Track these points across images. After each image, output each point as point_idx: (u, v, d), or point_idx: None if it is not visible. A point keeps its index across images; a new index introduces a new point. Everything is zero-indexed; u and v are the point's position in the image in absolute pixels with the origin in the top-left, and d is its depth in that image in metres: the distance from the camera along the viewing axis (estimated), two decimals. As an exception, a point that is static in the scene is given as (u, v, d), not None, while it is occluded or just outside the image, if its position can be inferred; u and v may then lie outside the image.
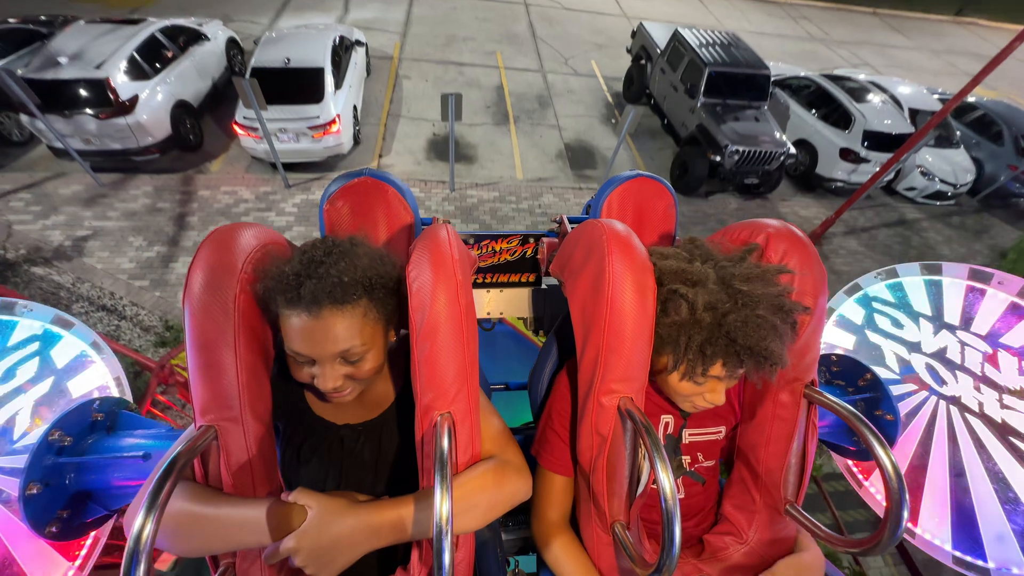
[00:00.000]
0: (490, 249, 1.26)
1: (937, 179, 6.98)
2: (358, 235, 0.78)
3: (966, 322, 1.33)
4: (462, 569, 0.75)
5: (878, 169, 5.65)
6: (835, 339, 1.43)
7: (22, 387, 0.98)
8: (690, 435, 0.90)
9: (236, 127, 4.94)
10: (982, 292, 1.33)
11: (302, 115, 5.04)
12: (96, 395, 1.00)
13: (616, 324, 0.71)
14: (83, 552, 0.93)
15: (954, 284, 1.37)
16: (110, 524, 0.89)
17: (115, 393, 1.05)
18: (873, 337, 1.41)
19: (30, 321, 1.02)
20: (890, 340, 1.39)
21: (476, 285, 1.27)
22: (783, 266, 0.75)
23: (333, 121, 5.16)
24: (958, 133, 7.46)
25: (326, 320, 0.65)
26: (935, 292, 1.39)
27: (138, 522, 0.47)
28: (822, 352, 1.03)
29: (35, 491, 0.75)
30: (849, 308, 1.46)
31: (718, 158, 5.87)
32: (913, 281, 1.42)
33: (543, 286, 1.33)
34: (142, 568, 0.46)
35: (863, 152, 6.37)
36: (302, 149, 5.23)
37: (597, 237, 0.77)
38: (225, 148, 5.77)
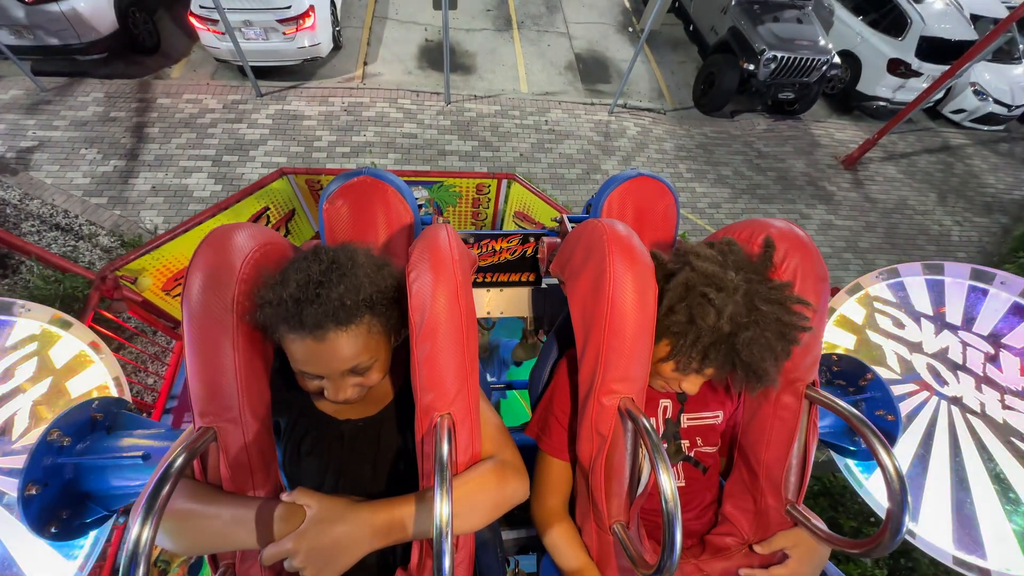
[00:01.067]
0: (490, 248, 1.26)
1: (991, 99, 6.02)
2: (354, 243, 0.76)
3: (968, 322, 1.32)
4: (462, 569, 0.75)
5: (928, 85, 5.00)
6: (836, 339, 1.43)
7: (21, 387, 0.98)
8: (688, 419, 0.91)
9: (193, 19, 4.32)
10: (984, 292, 1.33)
11: (269, 4, 4.36)
12: (95, 395, 1.00)
13: (617, 324, 0.71)
14: (83, 552, 0.93)
15: (956, 284, 1.37)
16: (110, 524, 0.89)
17: (114, 393, 1.05)
18: (874, 337, 1.41)
19: (28, 321, 1.01)
20: (891, 340, 1.39)
21: (476, 285, 1.27)
22: (803, 299, 0.74)
23: (306, 14, 4.45)
24: (1021, 47, 6.23)
25: (331, 343, 0.65)
26: (937, 292, 1.38)
27: (136, 527, 0.47)
28: (823, 352, 1.03)
29: (34, 492, 0.75)
30: (850, 308, 1.46)
31: (751, 67, 5.12)
32: (915, 281, 1.42)
33: (543, 286, 1.33)
34: (141, 571, 0.46)
35: (915, 63, 5.49)
36: (273, 49, 4.58)
37: (598, 237, 0.76)
38: (187, 51, 5.13)
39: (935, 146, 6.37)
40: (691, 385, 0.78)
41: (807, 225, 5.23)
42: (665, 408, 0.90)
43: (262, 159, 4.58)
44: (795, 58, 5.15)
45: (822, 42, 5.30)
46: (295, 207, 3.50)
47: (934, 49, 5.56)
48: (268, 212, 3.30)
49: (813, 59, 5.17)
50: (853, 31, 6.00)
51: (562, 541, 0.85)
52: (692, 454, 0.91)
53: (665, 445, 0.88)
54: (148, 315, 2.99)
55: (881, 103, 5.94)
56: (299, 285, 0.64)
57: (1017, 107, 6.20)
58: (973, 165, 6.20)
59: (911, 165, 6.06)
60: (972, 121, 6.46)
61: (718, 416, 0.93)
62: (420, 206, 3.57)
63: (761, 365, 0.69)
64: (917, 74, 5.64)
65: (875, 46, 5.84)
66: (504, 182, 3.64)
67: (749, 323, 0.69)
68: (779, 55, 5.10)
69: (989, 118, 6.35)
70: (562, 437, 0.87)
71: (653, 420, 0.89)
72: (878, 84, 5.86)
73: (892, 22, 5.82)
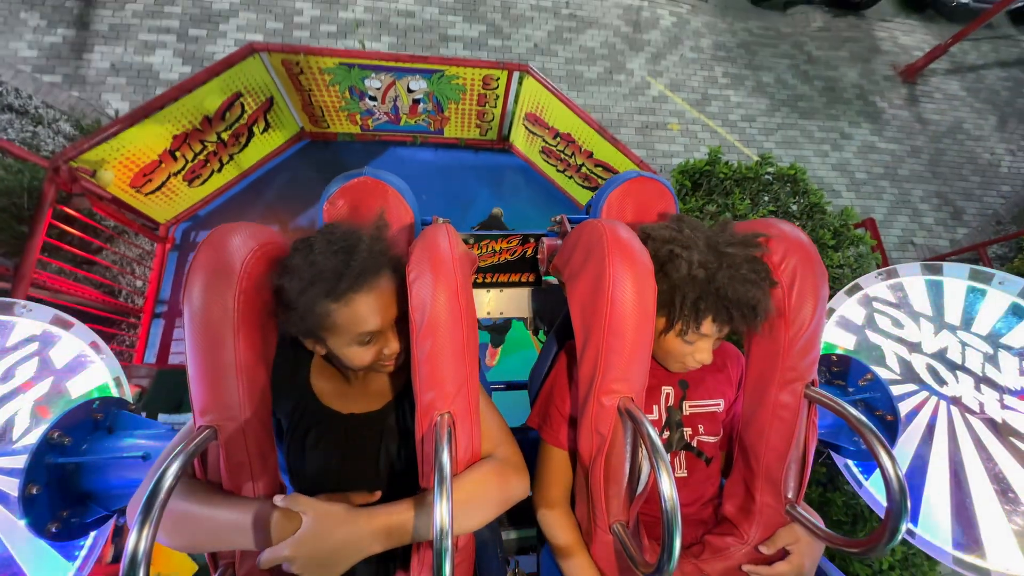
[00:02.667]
0: (490, 249, 1.26)
1: None
2: (349, 220, 0.84)
3: (967, 322, 1.32)
4: (462, 570, 0.76)
5: None
6: (835, 339, 1.43)
7: (21, 387, 0.98)
8: (690, 407, 0.92)
9: None
10: (983, 292, 1.33)
11: None
12: (96, 395, 1.00)
13: (616, 325, 0.71)
14: (83, 552, 0.93)
15: (955, 284, 1.37)
16: (110, 524, 0.89)
17: (115, 393, 1.05)
18: (873, 337, 1.41)
19: (29, 321, 1.01)
20: (890, 340, 1.39)
21: (476, 285, 1.27)
22: (758, 232, 0.81)
23: None
24: None
25: (380, 290, 0.72)
26: (936, 292, 1.39)
27: (134, 531, 0.48)
28: (822, 352, 1.03)
29: (35, 491, 0.75)
30: (849, 308, 1.46)
31: None
32: (914, 281, 1.42)
33: (543, 286, 1.33)
34: (140, 574, 0.46)
35: None
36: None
37: (597, 238, 0.76)
38: None
39: (1010, 58, 5.44)
40: (703, 352, 0.81)
41: (847, 146, 4.79)
42: (667, 395, 0.91)
43: (235, 35, 4.00)
44: None
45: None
46: (273, 95, 3.13)
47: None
48: (242, 100, 2.91)
49: None
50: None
51: (556, 520, 0.87)
52: (695, 443, 0.91)
53: (667, 432, 0.89)
54: (119, 214, 2.79)
55: (962, 1, 5.09)
56: (329, 258, 0.69)
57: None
58: (1051, 85, 5.36)
59: (978, 80, 5.28)
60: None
61: (719, 404, 0.94)
62: (417, 100, 3.30)
63: (749, 297, 0.73)
64: (1012, -37, 4.64)
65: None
66: (515, 75, 3.18)
67: (720, 264, 0.75)
68: None
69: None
70: (563, 427, 0.89)
71: (655, 410, 0.91)
72: None
73: None
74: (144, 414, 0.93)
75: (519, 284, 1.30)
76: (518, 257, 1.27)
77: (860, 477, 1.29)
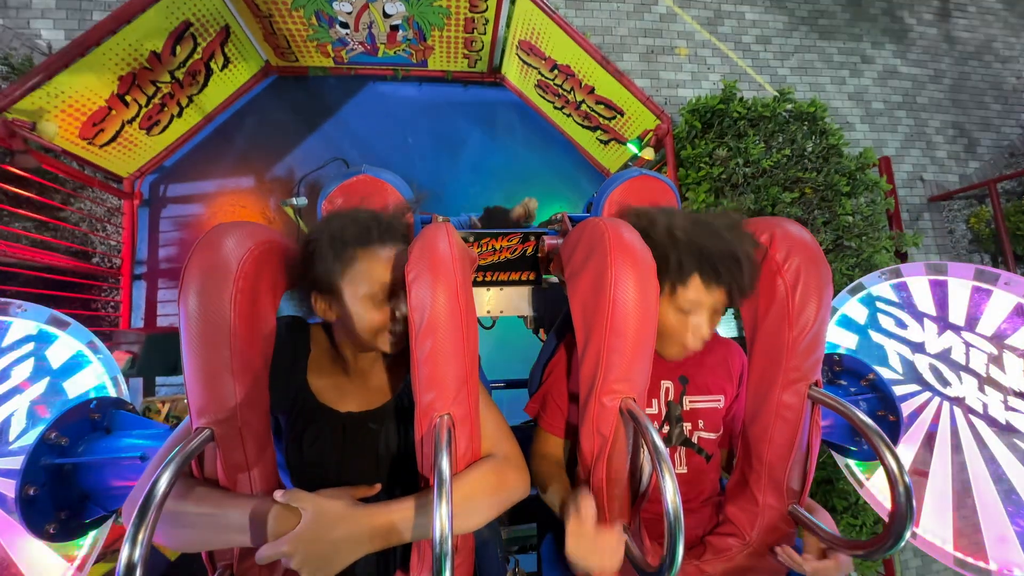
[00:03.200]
0: (490, 247, 1.25)
1: None
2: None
3: (971, 323, 1.32)
4: (462, 570, 0.75)
5: None
6: (838, 339, 1.42)
7: (18, 387, 0.97)
8: (691, 401, 0.92)
9: None
10: (988, 293, 1.32)
11: None
12: (93, 395, 1.00)
13: (618, 324, 0.70)
14: (81, 553, 0.93)
15: (959, 284, 1.36)
16: (108, 524, 0.89)
17: (112, 393, 1.05)
18: (876, 337, 1.40)
19: (25, 321, 1.01)
20: (894, 340, 1.38)
21: (476, 284, 1.26)
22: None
23: None
24: None
25: (402, 251, 0.77)
26: (940, 292, 1.38)
27: (130, 534, 0.47)
28: (825, 352, 1.03)
29: (32, 492, 0.74)
30: (852, 308, 1.45)
31: None
32: (917, 281, 1.41)
33: (543, 285, 1.32)
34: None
35: None
36: None
37: (599, 236, 0.76)
38: None
39: None
40: (702, 327, 0.81)
41: (867, 71, 4.37)
42: (667, 389, 0.91)
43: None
44: None
45: None
46: (229, 23, 2.68)
47: None
48: (192, 31, 2.50)
49: None
50: None
51: (551, 487, 0.86)
52: (695, 439, 0.91)
53: (667, 427, 0.88)
54: (75, 170, 2.52)
55: None
56: (363, 214, 0.80)
57: None
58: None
59: None
60: None
61: (720, 400, 0.94)
62: (395, 27, 2.79)
63: (731, 248, 0.76)
64: None
65: None
66: None
67: (697, 229, 0.80)
68: None
69: None
70: (559, 416, 0.90)
71: (655, 404, 0.91)
72: None
73: None
74: (142, 380, 0.93)
75: (519, 283, 1.29)
76: (518, 255, 1.27)
77: (861, 477, 1.28)
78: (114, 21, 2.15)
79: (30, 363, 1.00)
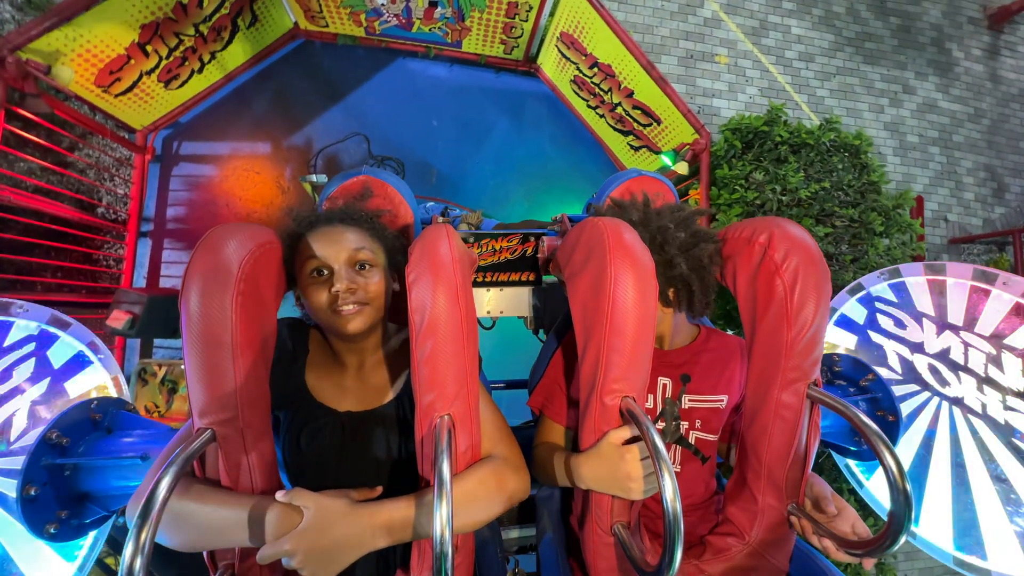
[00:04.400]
0: (490, 248, 1.26)
1: None
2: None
3: (970, 323, 1.32)
4: (462, 570, 0.75)
5: None
6: (837, 339, 1.43)
7: (19, 387, 0.97)
8: (691, 400, 0.91)
9: None
10: (986, 293, 1.32)
11: None
12: (94, 395, 1.00)
13: (618, 324, 0.71)
14: (82, 553, 0.93)
15: (958, 284, 1.36)
16: (109, 525, 0.89)
17: (113, 394, 1.05)
18: (875, 337, 1.40)
19: (26, 322, 1.01)
20: (892, 340, 1.38)
21: (476, 284, 1.27)
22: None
23: None
24: None
25: (338, 228, 0.82)
26: (939, 292, 1.38)
27: (133, 535, 0.47)
28: (824, 352, 1.03)
29: (33, 492, 0.74)
30: (851, 308, 1.46)
31: None
32: (916, 281, 1.42)
33: (543, 285, 1.33)
34: None
35: None
36: None
37: (598, 236, 0.76)
38: None
39: None
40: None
41: (907, 102, 4.29)
42: (664, 386, 0.91)
43: None
44: None
45: None
46: None
47: None
48: None
49: None
50: None
51: (554, 457, 0.86)
52: (691, 439, 0.91)
53: (662, 423, 0.89)
54: (87, 118, 2.40)
55: None
56: (312, 211, 0.86)
57: None
58: None
59: None
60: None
61: (723, 400, 0.93)
62: (434, 3, 2.66)
63: (685, 279, 0.83)
64: None
65: None
66: None
67: (658, 252, 0.84)
68: None
69: None
70: (565, 407, 0.91)
71: (651, 400, 0.91)
72: None
73: None
74: (139, 341, 0.94)
75: (519, 283, 1.29)
76: (518, 256, 1.27)
77: (861, 477, 1.29)
78: None
79: (31, 363, 1.00)
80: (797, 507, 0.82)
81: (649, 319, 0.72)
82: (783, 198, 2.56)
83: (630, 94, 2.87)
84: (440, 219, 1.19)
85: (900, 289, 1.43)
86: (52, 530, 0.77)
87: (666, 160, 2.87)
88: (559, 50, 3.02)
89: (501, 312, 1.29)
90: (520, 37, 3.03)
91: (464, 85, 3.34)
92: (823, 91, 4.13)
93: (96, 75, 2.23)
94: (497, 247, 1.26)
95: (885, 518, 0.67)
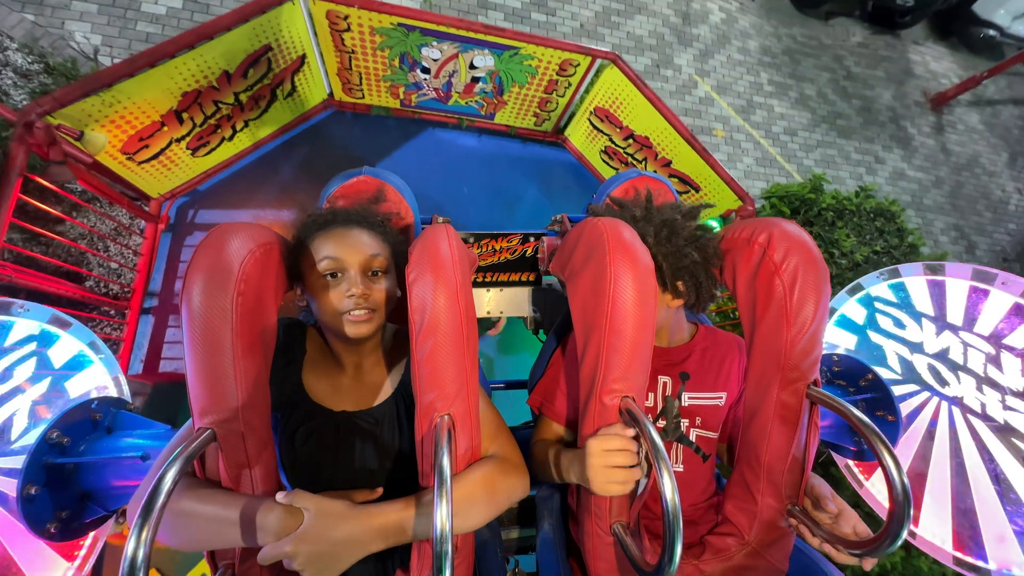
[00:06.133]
0: (490, 248, 1.26)
1: None
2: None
3: (969, 323, 1.32)
4: (462, 570, 0.75)
5: None
6: (836, 339, 1.43)
7: (20, 387, 0.97)
8: (690, 398, 0.92)
9: None
10: (985, 293, 1.32)
11: None
12: (94, 395, 1.00)
13: (617, 324, 0.71)
14: (82, 552, 0.93)
15: (957, 284, 1.36)
16: (109, 524, 0.89)
17: (113, 393, 1.05)
18: (875, 337, 1.40)
19: (27, 321, 1.01)
20: (892, 340, 1.38)
21: (476, 284, 1.27)
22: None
23: None
24: None
25: (355, 232, 0.82)
26: (938, 292, 1.38)
27: (134, 534, 0.47)
28: (823, 352, 1.03)
29: (33, 492, 0.75)
30: (851, 308, 1.46)
31: None
32: (916, 281, 1.42)
33: (543, 285, 1.33)
34: None
35: None
36: None
37: (598, 236, 0.76)
38: None
39: (1022, 96, 5.61)
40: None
41: (880, 171, 4.79)
42: (665, 384, 0.91)
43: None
44: None
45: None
46: (306, 52, 2.53)
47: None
48: (270, 55, 2.32)
49: None
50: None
51: (550, 452, 0.88)
52: (692, 436, 0.91)
53: (663, 421, 0.89)
54: (107, 187, 2.13)
55: (991, 32, 5.03)
56: (325, 211, 0.86)
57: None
58: (1056, 128, 5.53)
59: (994, 116, 5.43)
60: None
61: (721, 398, 0.94)
62: (476, 79, 2.76)
63: (689, 269, 0.84)
64: (1048, 2, 4.65)
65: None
66: (596, 63, 2.70)
67: (661, 246, 0.86)
68: None
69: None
70: (562, 404, 0.92)
71: (651, 398, 0.92)
72: (1001, 6, 4.86)
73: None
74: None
75: (519, 283, 1.30)
76: (518, 256, 1.27)
77: (860, 477, 1.29)
78: (195, 36, 1.95)
79: (32, 363, 1.00)
80: (796, 507, 0.82)
81: (649, 319, 0.72)
82: (841, 261, 2.78)
83: (667, 163, 2.97)
84: (440, 219, 1.19)
85: (899, 289, 1.43)
86: (52, 529, 0.77)
87: (714, 225, 3.09)
88: (591, 123, 3.14)
89: (501, 312, 1.29)
90: (553, 111, 3.15)
91: (493, 154, 3.42)
92: (809, 161, 4.63)
93: (124, 142, 2.11)
94: (497, 247, 1.26)
95: (884, 518, 0.67)
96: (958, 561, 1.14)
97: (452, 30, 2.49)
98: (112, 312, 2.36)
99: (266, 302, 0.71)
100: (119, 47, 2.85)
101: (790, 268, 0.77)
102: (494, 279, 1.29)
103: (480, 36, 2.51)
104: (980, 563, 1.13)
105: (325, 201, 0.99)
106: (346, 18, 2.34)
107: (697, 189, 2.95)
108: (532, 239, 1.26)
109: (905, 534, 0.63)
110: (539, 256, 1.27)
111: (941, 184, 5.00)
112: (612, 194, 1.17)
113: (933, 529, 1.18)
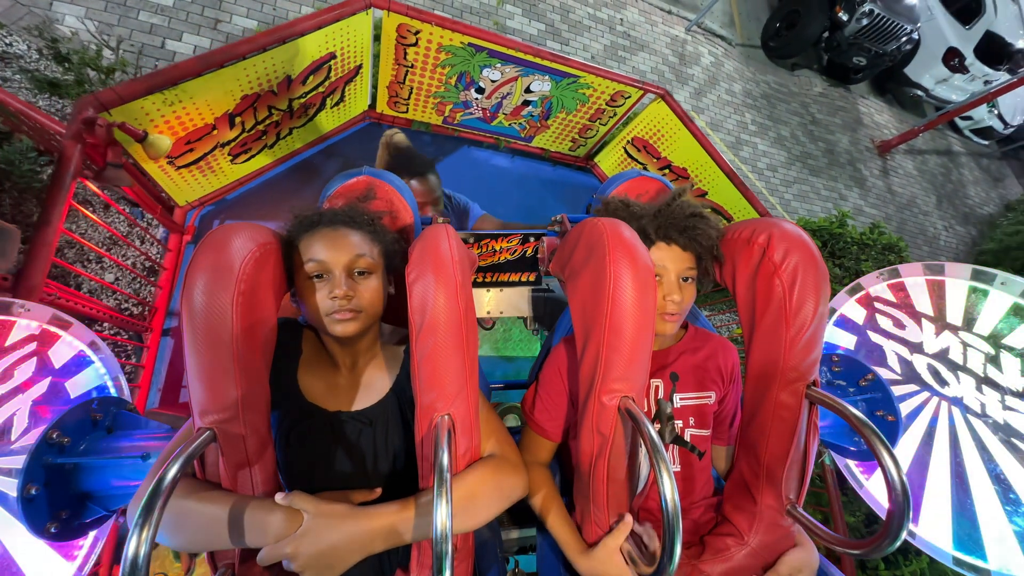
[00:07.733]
0: (490, 248, 1.26)
1: (996, 113, 6.16)
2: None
3: (968, 323, 1.32)
4: (462, 570, 0.75)
5: (970, 85, 5.21)
6: (836, 339, 1.43)
7: (20, 387, 0.97)
8: (681, 399, 0.92)
9: None
10: (984, 293, 1.33)
11: None
12: (95, 395, 1.00)
13: (617, 324, 0.71)
14: (82, 552, 0.93)
15: (956, 284, 1.36)
16: (109, 524, 0.89)
17: (114, 393, 1.05)
18: (875, 337, 1.40)
19: (27, 321, 1.01)
20: (892, 340, 1.38)
21: (476, 284, 1.27)
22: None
23: None
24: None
25: (342, 232, 0.80)
26: (938, 292, 1.38)
27: (134, 534, 0.47)
28: (823, 352, 1.03)
29: (33, 492, 0.75)
30: (850, 308, 1.46)
31: (845, 16, 4.69)
32: (915, 281, 1.42)
33: (543, 285, 1.33)
34: None
35: (969, 59, 5.35)
36: None
37: (598, 236, 0.76)
38: None
39: (941, 148, 6.63)
40: (671, 290, 0.86)
41: (844, 206, 5.20)
42: (656, 388, 0.92)
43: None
44: (889, 20, 4.70)
45: (915, 11, 4.87)
46: (363, 62, 2.45)
47: (991, 50, 5.41)
48: (331, 63, 2.23)
49: (902, 27, 4.74)
50: (926, 5, 5.52)
51: (533, 480, 0.88)
52: (687, 437, 0.91)
53: (658, 425, 0.89)
54: (144, 193, 1.89)
55: (918, 92, 5.77)
56: (313, 212, 0.84)
57: (1011, 126, 6.39)
58: (963, 175, 6.62)
59: (923, 163, 6.26)
60: (971, 131, 6.61)
61: (710, 396, 0.94)
62: (527, 102, 2.79)
63: (684, 209, 0.86)
64: (965, 71, 5.46)
65: (940, 28, 5.49)
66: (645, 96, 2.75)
67: (655, 204, 0.90)
68: (877, 11, 4.63)
69: (986, 132, 6.50)
70: (548, 416, 0.91)
71: (644, 403, 0.91)
72: (927, 71, 5.59)
73: (966, 5, 5.53)
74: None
75: (519, 283, 1.30)
76: (518, 256, 1.27)
77: (860, 478, 1.29)
78: (268, 37, 1.82)
79: (32, 363, 1.00)
80: (795, 508, 0.82)
81: (649, 319, 0.72)
82: (868, 294, 3.08)
83: (703, 194, 3.04)
84: (440, 219, 1.19)
85: (899, 289, 1.43)
86: (53, 529, 0.77)
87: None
88: (627, 151, 3.19)
89: (501, 312, 1.29)
90: (592, 138, 3.21)
91: (524, 174, 3.48)
92: (789, 195, 5.05)
93: (173, 144, 1.90)
94: (497, 247, 1.26)
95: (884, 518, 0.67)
96: (957, 561, 1.14)
97: (520, 54, 2.49)
98: (129, 335, 2.04)
99: (267, 302, 0.71)
100: (116, 36, 2.59)
101: (790, 268, 0.77)
102: (494, 279, 1.29)
103: (544, 63, 2.54)
104: (979, 563, 1.13)
105: (325, 200, 0.99)
106: (416, 32, 2.30)
107: (730, 219, 3.04)
108: (532, 239, 1.26)
109: (904, 534, 0.63)
110: (539, 256, 1.27)
111: (890, 221, 5.61)
112: (612, 193, 1.17)
113: (933, 529, 1.18)
